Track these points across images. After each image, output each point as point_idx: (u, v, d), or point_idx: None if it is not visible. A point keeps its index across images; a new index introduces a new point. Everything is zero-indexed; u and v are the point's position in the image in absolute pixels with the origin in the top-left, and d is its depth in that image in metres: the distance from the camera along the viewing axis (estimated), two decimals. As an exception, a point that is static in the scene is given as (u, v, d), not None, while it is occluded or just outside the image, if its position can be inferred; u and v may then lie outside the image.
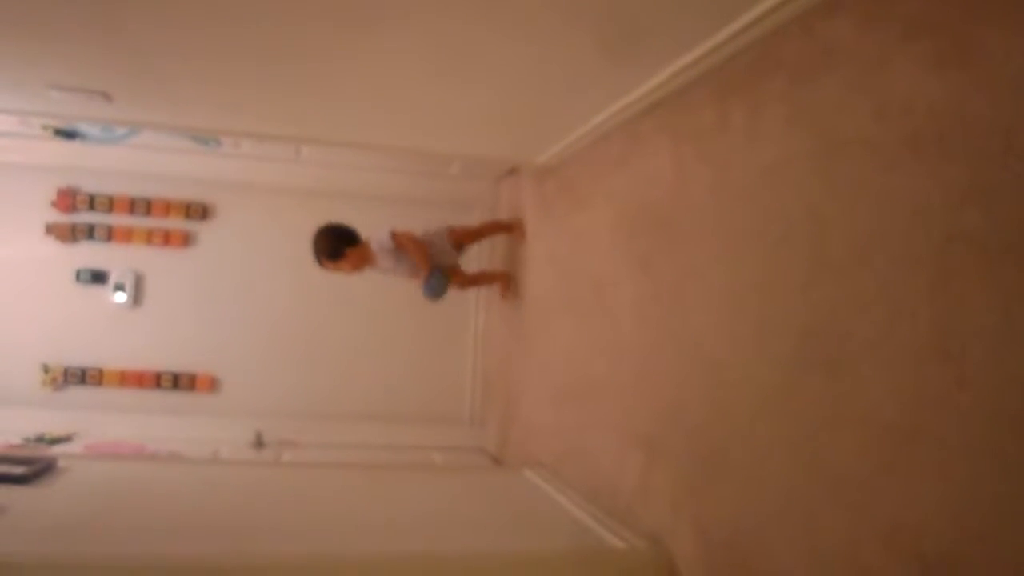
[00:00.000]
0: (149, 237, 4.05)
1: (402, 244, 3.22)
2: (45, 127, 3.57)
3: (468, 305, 4.37)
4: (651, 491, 1.97)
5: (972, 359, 1.03)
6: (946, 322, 1.08)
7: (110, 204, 4.02)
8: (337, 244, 3.16)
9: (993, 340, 1.01)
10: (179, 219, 4.10)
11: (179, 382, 4.05)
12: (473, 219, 4.38)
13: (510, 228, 3.62)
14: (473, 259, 3.78)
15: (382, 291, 4.29)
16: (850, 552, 1.23)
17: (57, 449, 3.37)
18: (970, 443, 1.03)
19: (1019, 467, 0.96)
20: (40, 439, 3.59)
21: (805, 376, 1.38)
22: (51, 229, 3.98)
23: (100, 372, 3.98)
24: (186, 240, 4.11)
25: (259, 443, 3.83)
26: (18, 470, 2.19)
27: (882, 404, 1.19)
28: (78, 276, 4.00)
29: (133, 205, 4.04)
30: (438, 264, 3.27)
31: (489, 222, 3.83)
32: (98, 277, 4.01)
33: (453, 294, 3.51)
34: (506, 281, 3.62)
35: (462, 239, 3.47)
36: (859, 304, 1.25)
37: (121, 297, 4.00)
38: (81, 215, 4.01)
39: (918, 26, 1.18)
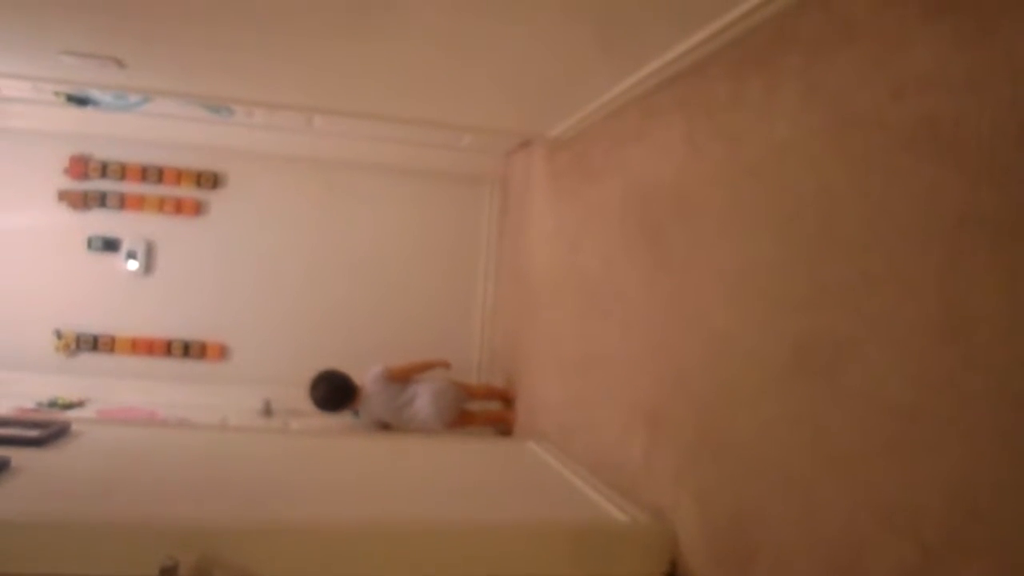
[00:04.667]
0: (161, 205, 4.06)
1: (399, 373, 3.40)
2: (57, 94, 3.56)
3: (476, 277, 4.38)
4: (655, 464, 1.98)
5: (979, 341, 1.03)
6: (954, 303, 1.07)
7: (122, 172, 4.03)
8: (339, 401, 3.36)
9: (1001, 322, 1.00)
10: (190, 188, 4.11)
11: (189, 350, 4.09)
12: (483, 196, 4.38)
13: (506, 396, 3.63)
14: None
15: (390, 262, 4.30)
16: (848, 530, 1.24)
17: (70, 414, 3.42)
18: (974, 425, 1.03)
19: (1022, 450, 0.96)
20: (53, 404, 3.64)
21: (810, 354, 1.38)
22: (63, 196, 3.99)
23: (112, 339, 4.02)
24: (197, 209, 4.12)
25: (268, 411, 3.87)
26: (32, 433, 2.23)
27: (886, 383, 1.19)
28: (90, 244, 4.02)
29: (145, 173, 4.05)
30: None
31: (488, 387, 3.84)
32: (110, 245, 4.03)
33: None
34: (504, 419, 3.57)
35: (471, 393, 3.58)
36: (867, 283, 1.25)
37: (133, 265, 4.03)
38: (93, 182, 4.02)
39: (938, 4, 1.16)
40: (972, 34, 1.09)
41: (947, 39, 1.13)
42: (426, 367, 3.49)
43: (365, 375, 3.41)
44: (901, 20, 1.24)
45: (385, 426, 3.42)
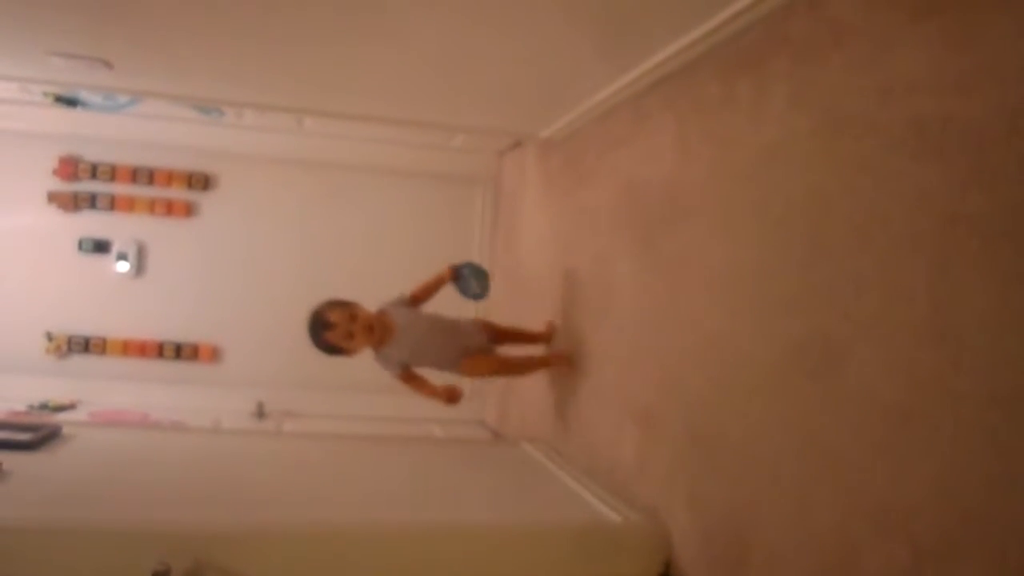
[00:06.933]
0: (152, 207, 4.05)
1: (420, 291, 2.83)
2: (46, 94, 3.54)
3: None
4: (647, 466, 1.98)
5: (968, 343, 1.04)
6: (944, 305, 1.08)
7: (112, 173, 4.01)
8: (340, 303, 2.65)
9: (990, 324, 1.01)
10: (181, 189, 4.09)
11: (181, 352, 4.07)
12: (475, 196, 4.37)
13: (544, 338, 2.96)
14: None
15: (383, 263, 4.29)
16: (841, 531, 1.25)
17: (61, 417, 3.40)
18: (963, 426, 1.03)
19: (1011, 451, 0.97)
20: (44, 407, 3.62)
21: (801, 355, 1.39)
22: (53, 198, 3.97)
23: (103, 341, 4.00)
24: (188, 210, 4.11)
25: (261, 413, 3.86)
26: (23, 436, 2.21)
27: (877, 385, 1.19)
28: (80, 245, 4.00)
29: (135, 174, 4.03)
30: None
31: (526, 331, 3.04)
32: (101, 246, 4.01)
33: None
34: (563, 360, 2.74)
35: (496, 336, 2.88)
36: (858, 285, 1.26)
37: (124, 267, 4.01)
38: (83, 184, 4.00)
39: (927, 7, 1.17)
40: (960, 36, 1.10)
41: (936, 41, 1.14)
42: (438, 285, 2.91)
43: (384, 304, 2.79)
44: (889, 22, 1.24)
45: (405, 369, 2.67)
